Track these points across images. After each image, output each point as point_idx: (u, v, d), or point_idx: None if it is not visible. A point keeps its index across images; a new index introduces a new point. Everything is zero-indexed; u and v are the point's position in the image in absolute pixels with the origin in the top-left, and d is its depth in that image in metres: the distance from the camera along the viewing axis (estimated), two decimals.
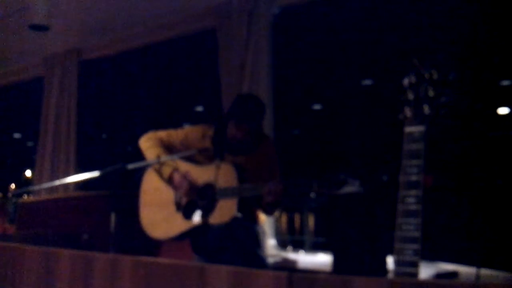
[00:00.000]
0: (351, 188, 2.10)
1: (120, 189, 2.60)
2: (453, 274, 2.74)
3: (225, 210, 2.40)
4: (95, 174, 2.48)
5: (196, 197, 2.52)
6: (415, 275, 1.38)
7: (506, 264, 2.66)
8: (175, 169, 2.58)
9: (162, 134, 2.70)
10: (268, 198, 2.29)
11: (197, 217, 2.46)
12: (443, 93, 1.43)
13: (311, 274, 1.02)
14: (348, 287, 0.96)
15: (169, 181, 2.58)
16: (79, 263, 1.45)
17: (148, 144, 2.67)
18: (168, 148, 2.66)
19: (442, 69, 1.44)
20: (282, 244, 3.84)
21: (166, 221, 2.58)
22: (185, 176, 2.55)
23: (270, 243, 3.61)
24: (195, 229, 2.49)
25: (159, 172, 2.61)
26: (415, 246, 1.39)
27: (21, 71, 5.95)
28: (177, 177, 2.56)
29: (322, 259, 3.52)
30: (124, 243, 2.40)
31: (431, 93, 1.44)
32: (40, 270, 1.57)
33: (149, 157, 2.63)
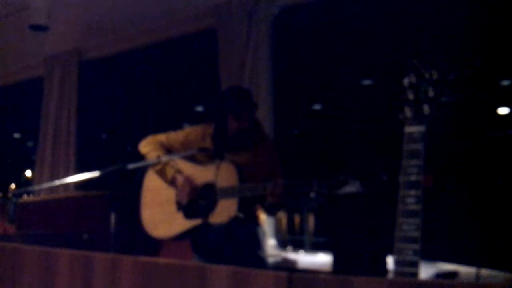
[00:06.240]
0: (351, 188, 2.11)
1: (120, 189, 2.61)
2: (453, 274, 2.74)
3: (225, 210, 2.40)
4: (95, 174, 2.48)
5: (197, 196, 2.52)
6: (415, 275, 1.38)
7: (506, 264, 2.66)
8: (178, 171, 2.58)
9: (162, 137, 2.70)
10: (270, 199, 2.29)
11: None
12: (443, 93, 1.43)
13: (311, 274, 1.02)
14: (348, 287, 0.96)
15: (172, 182, 2.58)
16: (79, 263, 1.45)
17: (148, 148, 2.67)
18: (169, 150, 2.66)
19: (442, 69, 1.44)
20: (282, 244, 3.84)
21: (167, 221, 2.58)
22: (188, 179, 2.55)
23: (270, 243, 3.61)
24: (196, 229, 2.49)
25: (162, 173, 2.61)
26: (415, 246, 1.39)
27: (21, 71, 5.95)
28: (180, 179, 2.56)
29: (322, 259, 3.52)
30: (124, 243, 2.40)
31: (431, 93, 1.44)
32: (40, 270, 1.57)
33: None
